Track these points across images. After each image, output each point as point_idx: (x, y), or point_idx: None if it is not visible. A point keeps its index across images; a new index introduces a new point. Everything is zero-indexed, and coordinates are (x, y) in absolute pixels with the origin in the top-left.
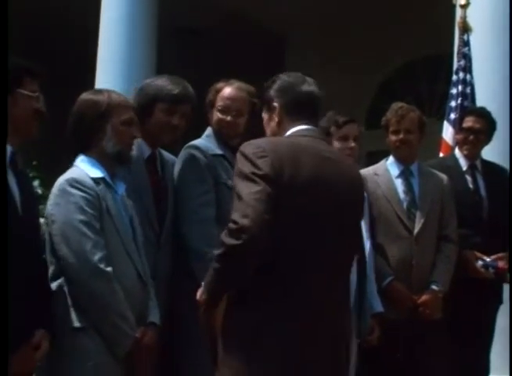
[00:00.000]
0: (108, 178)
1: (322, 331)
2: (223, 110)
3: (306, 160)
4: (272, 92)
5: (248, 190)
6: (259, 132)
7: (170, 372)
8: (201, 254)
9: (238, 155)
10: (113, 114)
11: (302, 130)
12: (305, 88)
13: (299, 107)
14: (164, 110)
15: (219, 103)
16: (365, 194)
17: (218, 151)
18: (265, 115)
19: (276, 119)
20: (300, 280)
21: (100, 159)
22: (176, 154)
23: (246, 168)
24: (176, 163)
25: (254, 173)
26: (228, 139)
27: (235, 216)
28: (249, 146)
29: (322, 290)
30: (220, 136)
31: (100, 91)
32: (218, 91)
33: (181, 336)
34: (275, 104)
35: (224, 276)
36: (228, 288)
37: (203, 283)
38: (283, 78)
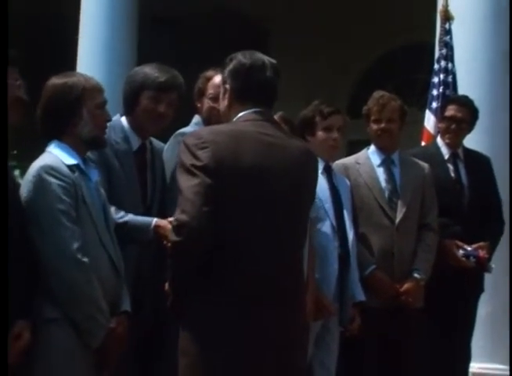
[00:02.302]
0: (82, 165)
1: (278, 318)
2: (214, 98)
3: (248, 148)
4: (226, 73)
5: (187, 184)
6: None
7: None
8: None
9: (181, 146)
10: (89, 98)
11: (249, 114)
12: (258, 74)
13: (249, 93)
14: (150, 98)
15: (210, 91)
16: (347, 182)
17: None
18: (220, 92)
19: (226, 102)
20: (248, 269)
21: (74, 145)
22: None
23: (187, 159)
24: (165, 151)
25: (193, 165)
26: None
27: (176, 212)
28: (191, 137)
29: (273, 276)
30: (209, 124)
31: (72, 74)
32: (209, 79)
33: (167, 329)
34: (227, 86)
35: (176, 271)
36: (182, 281)
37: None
38: (239, 59)
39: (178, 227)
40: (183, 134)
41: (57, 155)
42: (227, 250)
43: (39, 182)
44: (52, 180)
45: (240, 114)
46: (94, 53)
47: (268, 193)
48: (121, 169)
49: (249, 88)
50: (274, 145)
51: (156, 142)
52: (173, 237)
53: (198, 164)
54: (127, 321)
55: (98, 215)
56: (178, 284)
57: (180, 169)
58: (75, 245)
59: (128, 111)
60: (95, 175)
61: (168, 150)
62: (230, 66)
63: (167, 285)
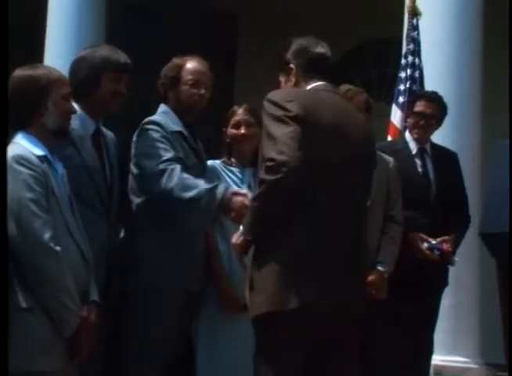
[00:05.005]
0: (49, 157)
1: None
2: (194, 84)
3: (325, 108)
4: (288, 56)
5: (281, 131)
6: None
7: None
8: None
9: (265, 103)
10: (54, 89)
11: (317, 85)
12: (318, 49)
13: (313, 67)
14: (112, 79)
15: (189, 77)
16: None
17: (176, 128)
18: (281, 78)
19: (293, 80)
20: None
21: (40, 136)
22: (125, 126)
23: (278, 111)
24: (134, 139)
25: (285, 115)
26: (195, 112)
27: (271, 154)
28: (275, 94)
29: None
30: (188, 111)
31: (37, 66)
32: (181, 66)
33: (130, 308)
34: (292, 66)
35: (265, 212)
36: (268, 224)
37: (241, 227)
38: (298, 42)
39: (277, 166)
40: (152, 122)
41: (25, 146)
42: (303, 197)
43: (10, 172)
44: (23, 170)
45: (309, 86)
46: (62, 44)
47: (343, 153)
48: (79, 156)
49: (312, 62)
50: (346, 111)
51: (103, 128)
52: (271, 177)
53: (290, 114)
54: (96, 310)
55: (65, 206)
56: (266, 226)
57: (271, 120)
58: (48, 234)
59: (86, 94)
60: (60, 168)
61: (137, 138)
62: (291, 49)
63: (235, 238)
